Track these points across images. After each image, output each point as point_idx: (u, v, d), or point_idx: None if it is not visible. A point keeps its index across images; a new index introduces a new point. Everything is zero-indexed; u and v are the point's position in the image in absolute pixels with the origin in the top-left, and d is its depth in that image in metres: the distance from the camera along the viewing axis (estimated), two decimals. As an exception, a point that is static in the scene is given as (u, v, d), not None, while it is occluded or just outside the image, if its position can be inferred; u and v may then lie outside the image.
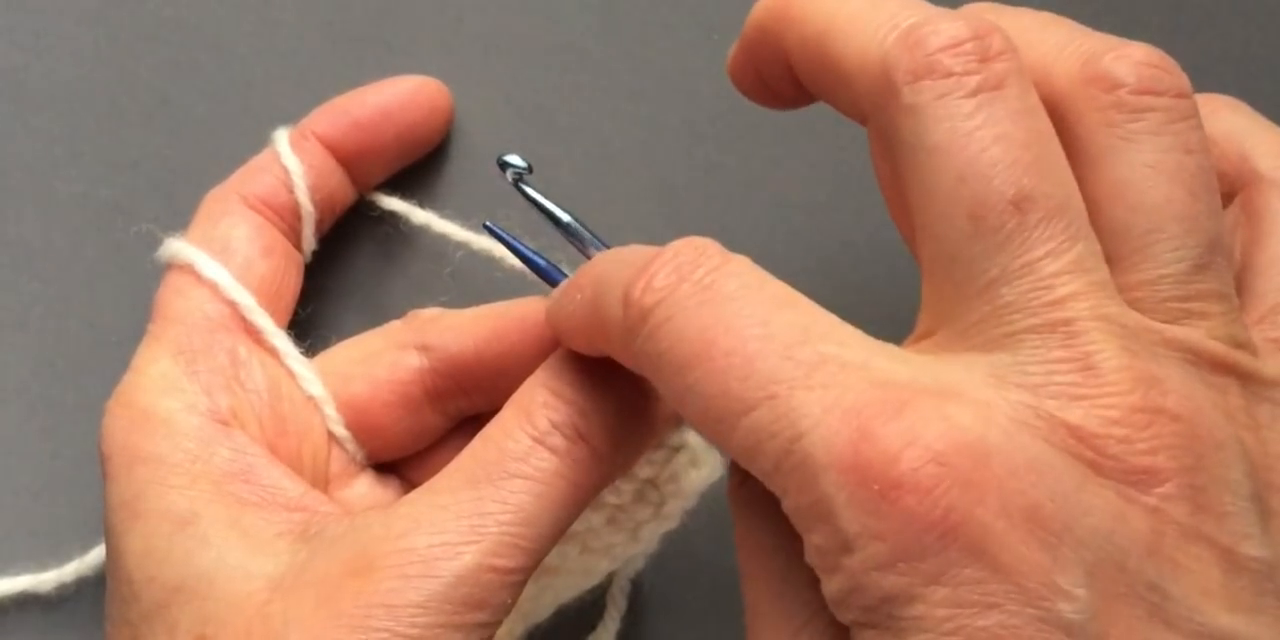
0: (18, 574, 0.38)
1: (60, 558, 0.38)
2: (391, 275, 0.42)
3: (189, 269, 0.34)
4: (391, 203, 0.39)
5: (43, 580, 0.38)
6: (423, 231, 0.39)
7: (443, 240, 0.38)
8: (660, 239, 0.37)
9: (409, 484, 0.36)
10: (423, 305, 0.37)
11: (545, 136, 0.43)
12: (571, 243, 0.34)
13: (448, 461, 0.31)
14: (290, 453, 0.33)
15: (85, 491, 0.39)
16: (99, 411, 0.34)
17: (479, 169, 0.41)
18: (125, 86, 0.43)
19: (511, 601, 0.28)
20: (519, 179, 0.34)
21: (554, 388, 0.30)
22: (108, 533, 0.32)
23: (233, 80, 0.43)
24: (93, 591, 0.37)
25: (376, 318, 0.38)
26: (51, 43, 0.44)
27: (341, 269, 0.41)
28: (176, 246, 0.35)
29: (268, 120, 0.39)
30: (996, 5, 0.30)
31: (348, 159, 0.38)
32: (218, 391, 0.33)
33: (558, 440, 0.29)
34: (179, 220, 0.37)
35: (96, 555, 0.37)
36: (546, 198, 0.33)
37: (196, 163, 0.42)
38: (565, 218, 0.34)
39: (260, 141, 0.38)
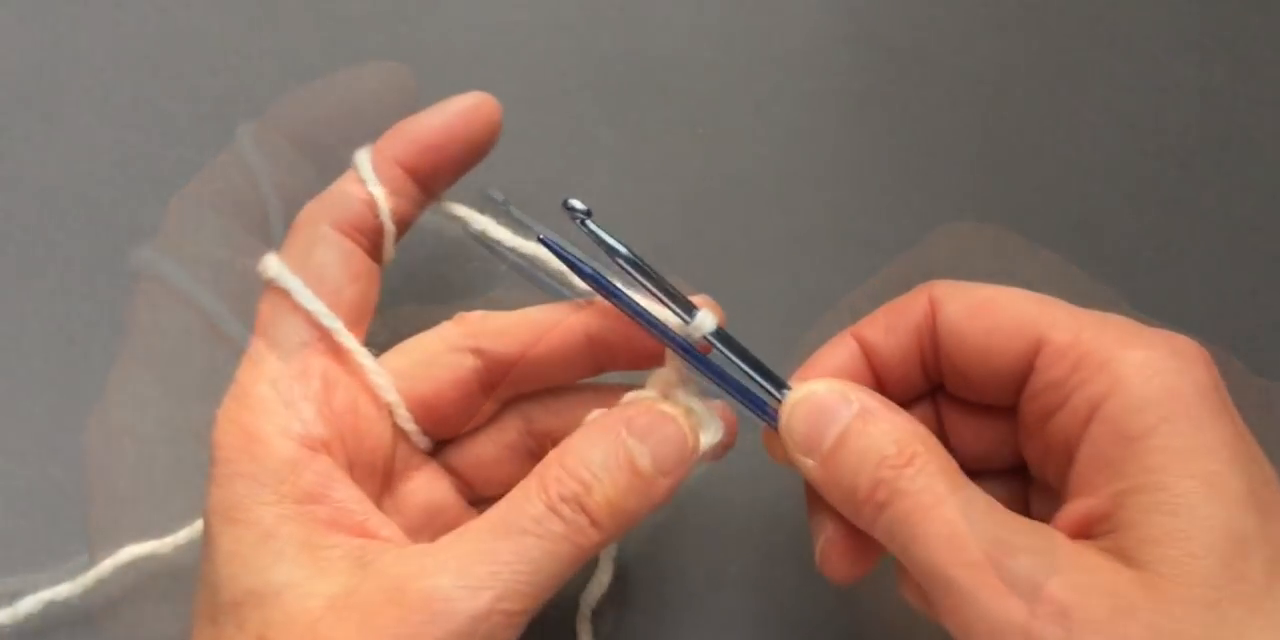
0: (146, 540, 0.42)
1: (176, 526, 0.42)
2: (446, 270, 0.45)
3: (286, 294, 0.37)
4: (459, 209, 0.41)
5: (164, 543, 0.42)
6: (479, 235, 0.41)
7: (495, 243, 0.41)
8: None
9: (456, 475, 0.40)
10: (477, 297, 0.41)
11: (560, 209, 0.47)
12: (629, 273, 0.36)
13: (496, 443, 0.37)
14: (366, 462, 0.37)
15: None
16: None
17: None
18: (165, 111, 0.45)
19: (514, 638, 0.33)
20: (582, 220, 0.37)
21: (568, 466, 0.34)
22: (206, 528, 0.35)
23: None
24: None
25: (431, 304, 0.41)
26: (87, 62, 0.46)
27: (405, 266, 0.43)
28: (277, 269, 0.37)
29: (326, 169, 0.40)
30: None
31: (421, 176, 0.39)
32: (310, 418, 0.36)
33: (566, 510, 0.33)
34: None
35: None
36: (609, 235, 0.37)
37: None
38: (624, 251, 0.36)
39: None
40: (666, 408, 0.36)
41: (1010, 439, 0.37)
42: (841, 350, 0.38)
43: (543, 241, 0.37)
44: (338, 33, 0.48)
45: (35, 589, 0.42)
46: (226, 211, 0.39)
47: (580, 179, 0.48)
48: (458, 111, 0.39)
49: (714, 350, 0.37)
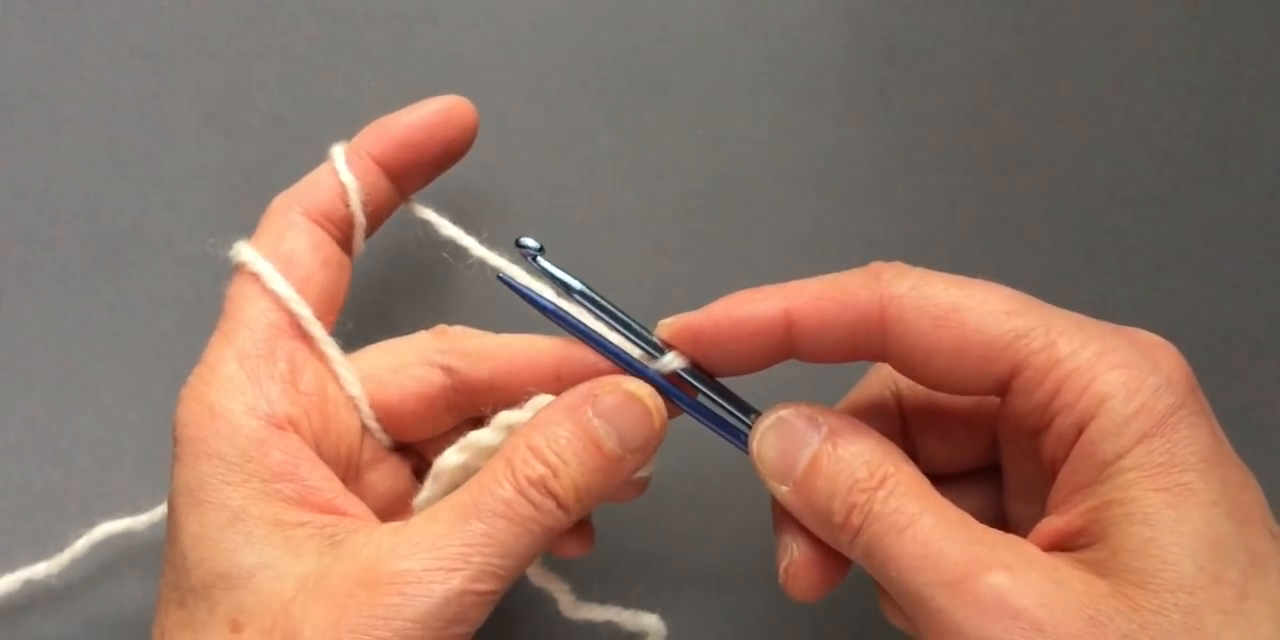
0: (121, 517, 0.43)
1: (152, 504, 0.43)
2: (419, 271, 0.45)
3: (257, 278, 0.38)
4: (425, 212, 0.42)
5: (138, 521, 0.43)
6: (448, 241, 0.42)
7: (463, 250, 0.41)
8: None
9: (422, 460, 0.41)
10: (444, 296, 0.41)
11: (564, 209, 0.47)
12: (584, 306, 0.37)
13: (457, 436, 0.37)
14: (331, 445, 0.38)
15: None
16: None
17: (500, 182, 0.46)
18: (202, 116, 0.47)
19: (485, 616, 0.33)
20: (534, 257, 0.37)
21: (535, 447, 0.34)
22: (171, 509, 0.35)
23: (288, 101, 0.46)
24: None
25: (401, 306, 0.42)
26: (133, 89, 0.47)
27: (377, 263, 0.45)
28: (248, 254, 0.38)
29: (321, 138, 0.42)
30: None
31: (394, 173, 0.40)
32: (277, 396, 0.36)
33: (534, 493, 0.34)
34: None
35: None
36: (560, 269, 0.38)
37: (258, 175, 0.46)
38: (577, 285, 0.37)
39: (310, 153, 0.41)
40: (632, 386, 0.36)
41: (978, 438, 0.37)
42: (874, 380, 0.38)
43: (501, 280, 0.38)
44: (338, 33, 0.48)
45: (11, 568, 0.43)
46: (320, 223, 0.39)
47: (580, 179, 0.48)
48: (433, 111, 0.40)
49: (685, 382, 0.37)
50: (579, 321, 0.37)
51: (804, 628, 0.45)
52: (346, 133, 0.46)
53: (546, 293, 0.38)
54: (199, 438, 0.35)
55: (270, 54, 0.48)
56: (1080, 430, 0.32)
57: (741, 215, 0.48)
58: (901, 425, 0.39)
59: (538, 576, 0.40)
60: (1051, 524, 0.33)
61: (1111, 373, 0.32)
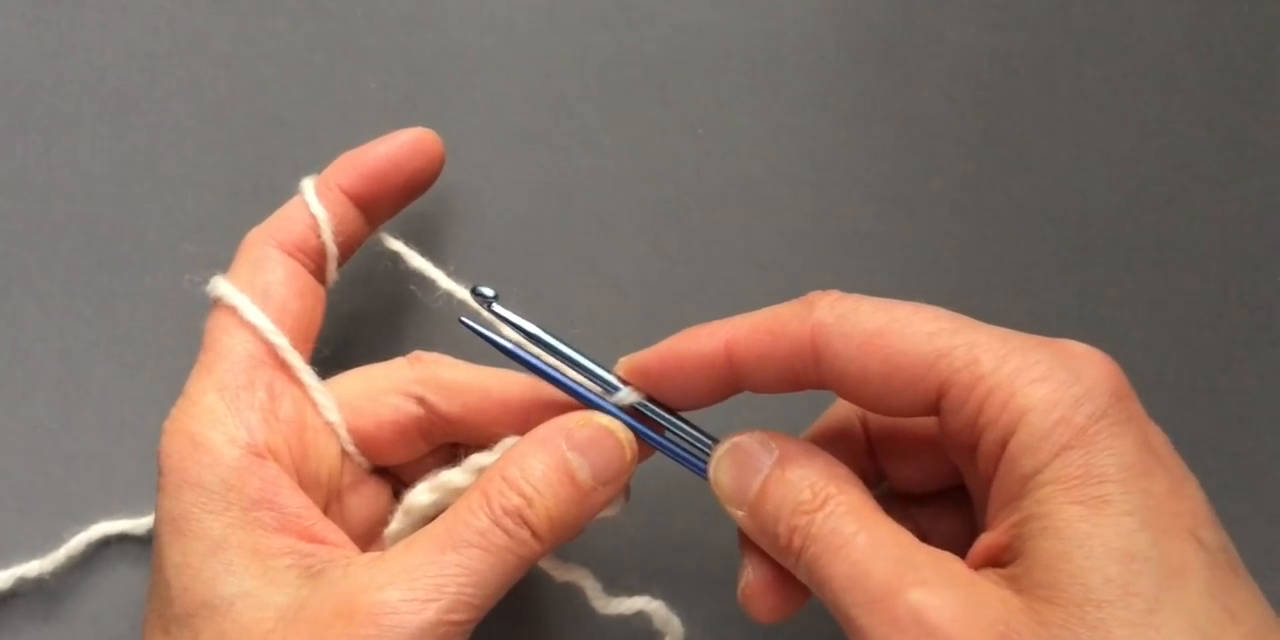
0: (119, 516, 0.44)
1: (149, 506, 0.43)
2: (391, 298, 0.46)
3: (234, 311, 0.39)
4: (394, 244, 0.44)
5: (138, 524, 0.44)
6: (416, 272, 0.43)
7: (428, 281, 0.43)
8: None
9: (400, 483, 0.42)
10: (415, 321, 0.43)
11: (563, 209, 0.48)
12: (546, 351, 0.38)
13: (431, 465, 0.39)
14: (311, 471, 0.39)
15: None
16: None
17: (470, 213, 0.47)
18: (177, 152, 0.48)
19: None
20: (489, 305, 0.39)
21: (510, 479, 0.35)
22: (156, 538, 0.36)
23: (288, 101, 0.47)
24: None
25: (373, 332, 0.43)
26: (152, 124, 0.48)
27: (350, 292, 0.46)
28: (224, 288, 0.39)
29: (320, 138, 0.44)
30: None
31: (364, 204, 0.42)
32: (256, 426, 0.37)
33: (509, 523, 0.35)
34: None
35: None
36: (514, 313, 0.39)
37: (258, 175, 0.47)
38: (534, 330, 0.39)
39: (283, 181, 0.42)
40: (604, 421, 0.37)
41: (943, 458, 0.37)
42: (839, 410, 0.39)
43: (463, 323, 0.39)
44: (338, 33, 0.49)
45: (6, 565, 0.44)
46: (293, 255, 0.41)
47: (580, 179, 0.48)
48: (400, 144, 0.42)
49: (645, 416, 0.38)
50: (540, 361, 0.38)
51: (820, 627, 0.45)
52: (346, 133, 0.47)
53: (511, 333, 0.39)
54: (181, 467, 0.36)
55: (270, 54, 0.48)
56: (1004, 445, 0.32)
57: (741, 215, 0.48)
58: (868, 448, 0.40)
59: (560, 571, 0.41)
60: (983, 540, 0.33)
61: (1031, 386, 0.32)
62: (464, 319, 0.39)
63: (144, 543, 0.44)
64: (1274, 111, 0.49)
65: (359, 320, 0.47)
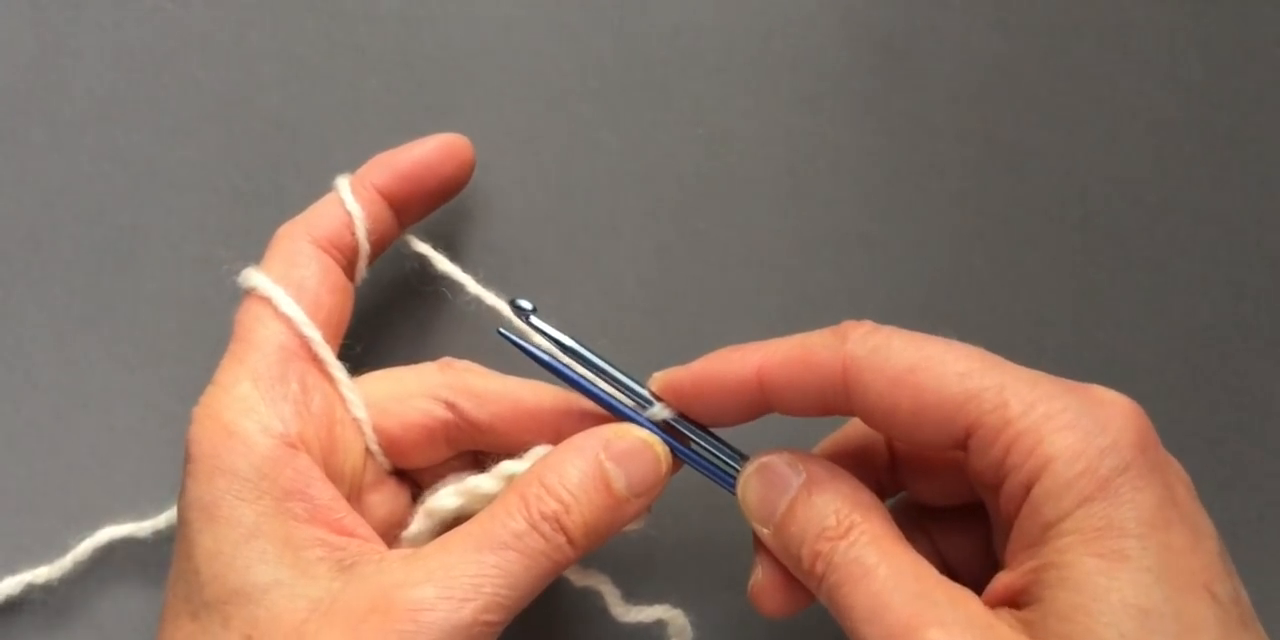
0: (124, 520, 0.44)
1: (156, 511, 0.44)
2: (418, 300, 0.47)
3: (268, 302, 0.39)
4: (421, 247, 0.44)
5: (142, 527, 0.44)
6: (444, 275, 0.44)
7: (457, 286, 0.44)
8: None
9: (417, 486, 0.42)
10: (440, 321, 0.43)
11: (563, 209, 0.48)
12: (580, 363, 0.39)
13: (448, 470, 0.40)
14: (337, 467, 0.39)
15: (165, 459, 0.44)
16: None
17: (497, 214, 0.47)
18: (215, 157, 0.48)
19: None
20: (527, 317, 0.40)
21: (548, 484, 0.36)
22: (184, 524, 0.36)
23: (289, 102, 0.48)
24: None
25: (398, 330, 0.44)
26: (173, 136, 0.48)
27: (377, 292, 0.46)
28: (259, 280, 0.40)
29: (321, 139, 0.44)
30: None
31: (397, 204, 0.42)
32: (289, 417, 0.37)
33: (546, 528, 0.35)
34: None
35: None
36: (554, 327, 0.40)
37: (258, 175, 0.47)
38: (571, 343, 0.39)
39: (284, 181, 0.42)
40: (642, 434, 0.38)
41: (963, 478, 0.38)
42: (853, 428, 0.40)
43: (501, 334, 0.40)
44: (338, 33, 0.49)
45: (13, 571, 0.44)
46: (327, 251, 0.41)
47: (580, 179, 0.48)
48: (436, 147, 0.43)
49: (676, 430, 0.39)
50: (577, 375, 0.39)
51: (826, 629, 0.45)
52: (346, 133, 0.47)
53: (543, 342, 0.40)
54: (214, 454, 0.36)
55: (270, 54, 0.48)
56: (1028, 490, 0.33)
57: (741, 215, 0.49)
58: (890, 461, 0.40)
59: (578, 576, 0.41)
60: (1001, 579, 0.34)
61: (1058, 434, 0.33)
62: (502, 330, 0.40)
63: (149, 546, 0.44)
64: (1274, 112, 0.49)
65: (381, 319, 0.47)
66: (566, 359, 0.39)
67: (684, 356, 0.40)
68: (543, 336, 0.39)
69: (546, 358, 0.39)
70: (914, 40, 0.50)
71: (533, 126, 0.48)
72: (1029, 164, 0.49)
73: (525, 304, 0.40)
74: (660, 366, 0.40)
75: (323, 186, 0.43)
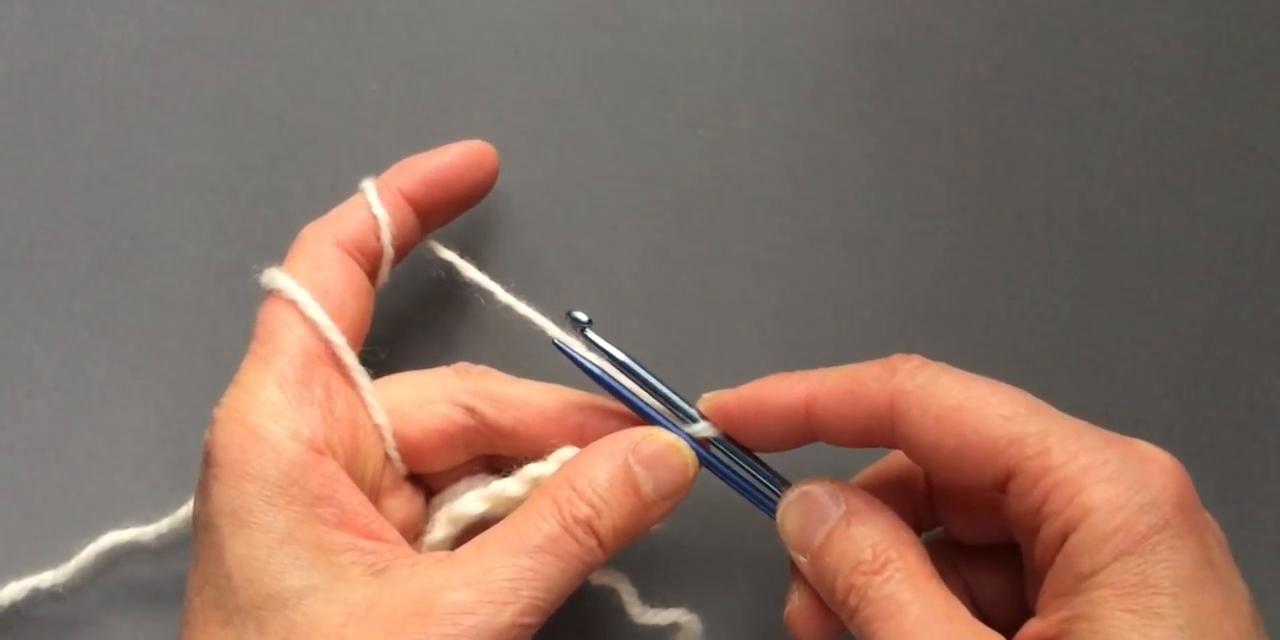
0: (128, 524, 0.44)
1: (159, 514, 0.44)
2: (434, 304, 0.47)
3: (293, 305, 0.39)
4: (446, 253, 0.44)
5: (145, 532, 0.44)
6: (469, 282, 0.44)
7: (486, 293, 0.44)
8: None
9: (429, 491, 0.43)
10: (460, 326, 0.43)
11: (563, 209, 0.48)
12: (630, 377, 0.39)
13: (460, 475, 0.40)
14: (358, 472, 0.39)
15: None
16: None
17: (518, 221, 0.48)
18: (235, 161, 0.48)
19: None
20: (583, 329, 0.40)
21: (579, 488, 0.37)
22: (211, 529, 0.36)
23: (289, 102, 0.48)
24: (186, 543, 0.40)
25: (417, 336, 0.44)
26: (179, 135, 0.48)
27: (397, 296, 0.46)
28: (284, 282, 0.39)
29: (321, 139, 0.44)
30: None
31: (421, 210, 0.42)
32: (315, 422, 0.37)
33: (579, 532, 0.36)
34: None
35: (186, 510, 0.42)
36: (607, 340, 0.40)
37: (258, 175, 0.47)
38: (623, 358, 0.39)
39: (284, 181, 0.42)
40: (669, 438, 0.38)
41: (999, 518, 0.38)
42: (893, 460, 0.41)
43: (557, 346, 0.40)
44: (338, 33, 0.49)
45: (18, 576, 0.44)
46: (351, 254, 0.41)
47: (580, 179, 0.49)
48: (462, 154, 0.43)
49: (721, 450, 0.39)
50: (628, 391, 0.39)
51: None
52: (346, 134, 0.47)
53: (592, 356, 0.40)
54: (242, 459, 0.36)
55: (270, 54, 0.48)
56: (1064, 538, 0.33)
57: (741, 215, 0.49)
58: (928, 496, 0.41)
59: (595, 574, 0.41)
60: (1033, 626, 0.34)
61: (1098, 487, 0.33)
62: (557, 342, 0.40)
63: (153, 551, 0.44)
64: (1274, 112, 0.50)
65: (402, 324, 0.47)
66: (614, 371, 0.39)
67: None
68: (593, 348, 0.39)
69: (598, 372, 0.39)
70: (914, 40, 0.50)
71: (533, 126, 0.49)
72: (1028, 164, 0.49)
73: (581, 316, 0.40)
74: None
75: (323, 187, 0.44)
